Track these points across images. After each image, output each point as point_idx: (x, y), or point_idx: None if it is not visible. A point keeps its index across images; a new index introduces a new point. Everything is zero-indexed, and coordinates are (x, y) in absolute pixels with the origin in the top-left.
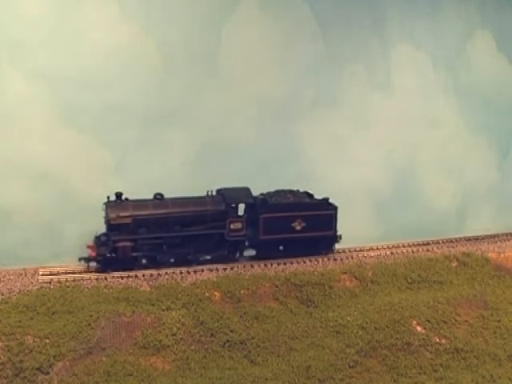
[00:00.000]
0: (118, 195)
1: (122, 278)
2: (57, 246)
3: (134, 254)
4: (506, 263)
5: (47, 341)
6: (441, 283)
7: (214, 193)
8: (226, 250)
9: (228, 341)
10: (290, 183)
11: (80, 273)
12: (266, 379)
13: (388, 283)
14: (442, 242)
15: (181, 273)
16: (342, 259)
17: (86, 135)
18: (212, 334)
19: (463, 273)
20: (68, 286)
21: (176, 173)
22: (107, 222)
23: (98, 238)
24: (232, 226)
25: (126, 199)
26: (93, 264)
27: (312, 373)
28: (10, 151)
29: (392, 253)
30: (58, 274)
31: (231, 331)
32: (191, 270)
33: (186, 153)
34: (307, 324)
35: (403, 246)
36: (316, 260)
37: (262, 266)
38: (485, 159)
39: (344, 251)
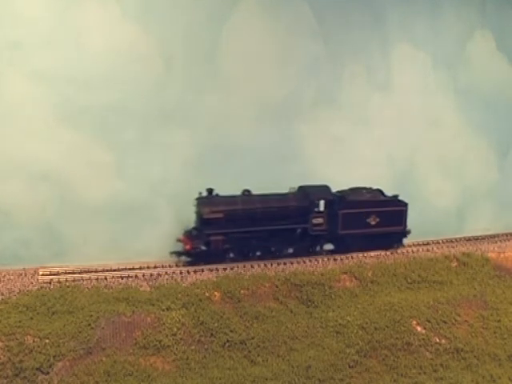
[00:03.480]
0: (210, 191)
1: (122, 278)
2: (57, 246)
3: (225, 248)
4: (506, 263)
5: (47, 341)
6: (441, 283)
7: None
8: (308, 244)
9: (228, 341)
10: (290, 183)
11: (80, 273)
12: (266, 379)
13: (388, 283)
14: (442, 241)
15: (181, 273)
16: (341, 259)
17: (85, 135)
18: (212, 334)
19: (463, 273)
20: (68, 286)
21: (176, 173)
22: (200, 216)
23: (189, 232)
24: (314, 221)
25: (217, 195)
26: (183, 257)
27: (312, 373)
28: (10, 151)
29: (392, 253)
30: (57, 273)
31: (231, 331)
32: (191, 269)
33: (185, 153)
34: (307, 324)
35: (403, 246)
36: (316, 260)
37: (262, 266)
38: (485, 159)
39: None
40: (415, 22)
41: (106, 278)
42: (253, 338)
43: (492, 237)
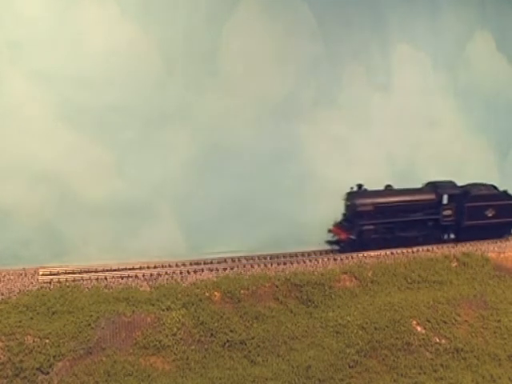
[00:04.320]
0: (360, 186)
1: (122, 278)
2: (57, 246)
3: (374, 237)
4: (506, 263)
5: (47, 341)
6: (441, 283)
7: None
8: (437, 233)
9: (228, 341)
10: (290, 183)
11: (80, 273)
12: (266, 379)
13: (388, 283)
14: (442, 241)
15: (181, 273)
16: (341, 259)
17: (85, 135)
18: (212, 334)
19: (463, 273)
20: (68, 286)
21: (176, 172)
22: (353, 209)
23: (339, 223)
24: (444, 213)
25: (365, 190)
26: (335, 246)
27: (312, 373)
28: (9, 151)
29: (392, 253)
30: (58, 273)
31: (231, 331)
32: (191, 269)
33: (186, 153)
34: (307, 324)
35: (403, 246)
36: (316, 260)
37: (262, 266)
38: (485, 159)
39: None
40: (415, 23)
41: (106, 278)
42: (253, 338)
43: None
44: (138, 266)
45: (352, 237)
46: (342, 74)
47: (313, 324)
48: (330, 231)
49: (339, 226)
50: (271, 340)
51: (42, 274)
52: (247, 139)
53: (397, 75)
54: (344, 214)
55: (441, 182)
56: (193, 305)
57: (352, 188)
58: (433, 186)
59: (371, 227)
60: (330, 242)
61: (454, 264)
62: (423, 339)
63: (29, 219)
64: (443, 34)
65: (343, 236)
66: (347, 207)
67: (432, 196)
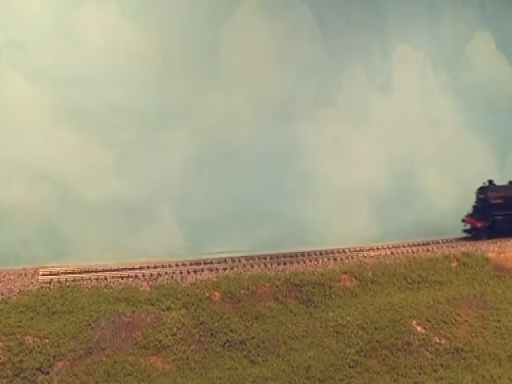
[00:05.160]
0: (490, 181)
1: (122, 278)
2: (57, 246)
3: (504, 226)
4: (506, 263)
5: (47, 341)
6: (441, 283)
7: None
8: None
9: (228, 341)
10: (290, 183)
11: (80, 273)
12: (266, 379)
13: (388, 283)
14: (442, 241)
15: (181, 273)
16: (341, 259)
17: (85, 135)
18: (212, 334)
19: (463, 273)
20: (68, 286)
21: (176, 172)
22: (487, 201)
23: (472, 214)
24: None
25: (494, 185)
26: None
27: (312, 373)
28: (9, 151)
29: (392, 253)
30: (58, 273)
31: (231, 331)
32: (191, 269)
33: (185, 152)
34: (307, 324)
35: (403, 246)
36: (316, 260)
37: (262, 266)
38: (485, 159)
39: (344, 251)
40: (415, 23)
41: (106, 278)
42: (253, 338)
43: (492, 237)
44: (138, 266)
45: (487, 225)
46: (342, 74)
47: (313, 324)
48: (463, 221)
49: (472, 217)
50: (271, 340)
51: (42, 274)
52: (247, 139)
53: (397, 75)
54: (475, 206)
55: None
56: (193, 305)
57: (484, 183)
58: None
59: (501, 217)
60: (466, 231)
61: (454, 264)
62: (423, 339)
63: (29, 219)
64: (443, 34)
65: (480, 225)
66: (480, 200)
67: None
